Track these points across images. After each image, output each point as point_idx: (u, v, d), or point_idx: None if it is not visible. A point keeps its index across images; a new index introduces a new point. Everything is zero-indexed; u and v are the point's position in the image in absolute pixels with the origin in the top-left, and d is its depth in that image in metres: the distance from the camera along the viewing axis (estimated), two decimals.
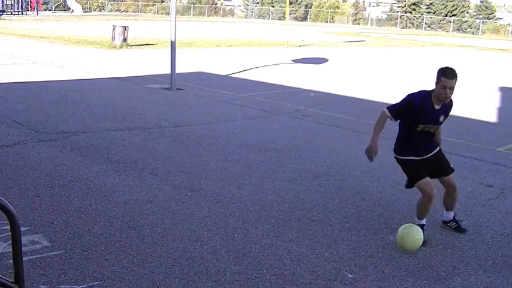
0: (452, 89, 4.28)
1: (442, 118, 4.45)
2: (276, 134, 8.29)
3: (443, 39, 40.69)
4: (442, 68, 4.35)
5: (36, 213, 4.68)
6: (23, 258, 2.29)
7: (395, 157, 4.66)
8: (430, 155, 4.58)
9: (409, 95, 4.43)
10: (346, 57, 22.66)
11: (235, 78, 14.49)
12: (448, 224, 4.85)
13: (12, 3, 44.72)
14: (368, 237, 4.59)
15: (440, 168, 4.64)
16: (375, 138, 4.44)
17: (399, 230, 4.41)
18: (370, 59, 22.71)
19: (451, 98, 4.46)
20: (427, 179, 4.48)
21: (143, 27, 32.59)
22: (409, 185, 4.66)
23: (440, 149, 4.68)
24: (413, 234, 4.32)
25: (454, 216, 4.82)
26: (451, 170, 4.66)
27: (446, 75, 4.26)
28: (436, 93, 4.32)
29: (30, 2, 48.51)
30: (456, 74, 4.31)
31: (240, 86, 13.10)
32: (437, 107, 4.37)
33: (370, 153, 4.45)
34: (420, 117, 4.35)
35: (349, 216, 5.04)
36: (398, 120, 4.55)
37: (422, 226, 4.58)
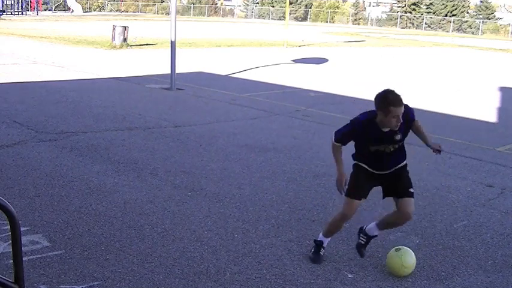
0: (401, 114, 3.71)
1: (399, 137, 3.84)
2: (276, 134, 8.29)
3: (443, 39, 40.70)
4: (385, 96, 3.71)
5: (36, 213, 4.68)
6: (23, 258, 2.29)
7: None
8: (388, 171, 4.00)
9: (350, 123, 3.95)
10: (346, 57, 22.66)
11: (235, 78, 14.49)
12: (362, 236, 4.21)
13: (12, 3, 44.71)
14: None
15: (398, 187, 4.00)
16: (339, 169, 4.00)
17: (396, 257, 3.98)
18: (370, 59, 22.71)
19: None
20: (358, 202, 3.99)
21: (143, 27, 32.59)
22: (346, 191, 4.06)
23: (405, 165, 4.04)
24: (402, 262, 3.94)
25: (374, 236, 4.20)
26: (411, 194, 3.96)
27: (395, 103, 3.66)
28: (383, 122, 3.75)
29: (30, 2, 48.50)
30: (401, 97, 3.72)
31: (240, 86, 13.10)
32: (385, 130, 3.80)
33: (340, 184, 3.96)
34: (369, 141, 3.88)
35: None
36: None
37: (321, 244, 4.15)
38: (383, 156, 3.94)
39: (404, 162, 4.04)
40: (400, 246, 4.06)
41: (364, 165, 4.03)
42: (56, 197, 5.12)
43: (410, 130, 4.01)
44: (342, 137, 4.00)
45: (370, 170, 4.02)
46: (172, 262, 3.95)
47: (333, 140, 4.03)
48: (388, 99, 3.70)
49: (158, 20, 45.90)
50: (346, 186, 3.96)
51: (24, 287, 2.18)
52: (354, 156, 4.10)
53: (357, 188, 4.01)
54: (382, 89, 3.80)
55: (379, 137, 3.85)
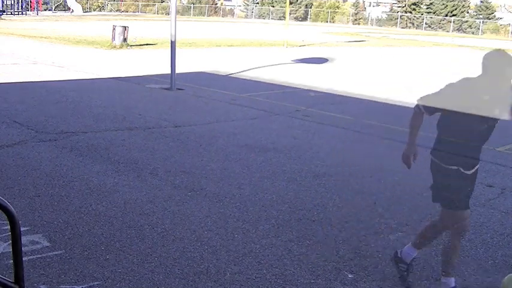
0: None
1: (497, 111, 3.39)
2: (276, 134, 8.29)
3: (444, 39, 40.67)
4: (501, 55, 3.32)
5: (36, 213, 4.68)
6: (23, 258, 2.29)
7: (432, 162, 3.62)
8: (473, 170, 3.57)
9: (447, 85, 3.48)
10: (346, 57, 22.65)
11: (235, 78, 14.49)
12: (401, 266, 3.87)
13: (12, 3, 44.68)
14: (368, 237, 4.59)
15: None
16: (410, 140, 3.57)
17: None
18: (370, 59, 22.70)
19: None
20: (468, 212, 3.56)
21: (143, 27, 32.56)
22: (443, 205, 3.62)
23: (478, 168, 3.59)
24: None
25: (413, 260, 3.87)
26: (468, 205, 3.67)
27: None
28: (489, 85, 3.31)
29: (30, 2, 48.47)
30: None
31: (240, 86, 13.10)
32: (486, 98, 3.33)
33: (406, 158, 3.57)
34: (462, 113, 3.38)
35: (349, 216, 5.04)
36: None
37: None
38: (472, 141, 3.47)
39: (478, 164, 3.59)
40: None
41: (455, 167, 3.50)
42: (56, 197, 5.12)
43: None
44: (429, 100, 3.46)
45: (462, 170, 3.50)
46: (172, 262, 3.95)
47: (418, 103, 3.52)
48: (504, 58, 3.29)
49: (158, 20, 45.88)
50: (415, 160, 3.52)
51: (25, 287, 2.18)
52: (441, 155, 3.56)
53: (462, 196, 3.55)
54: (493, 49, 3.43)
55: (477, 106, 3.32)
